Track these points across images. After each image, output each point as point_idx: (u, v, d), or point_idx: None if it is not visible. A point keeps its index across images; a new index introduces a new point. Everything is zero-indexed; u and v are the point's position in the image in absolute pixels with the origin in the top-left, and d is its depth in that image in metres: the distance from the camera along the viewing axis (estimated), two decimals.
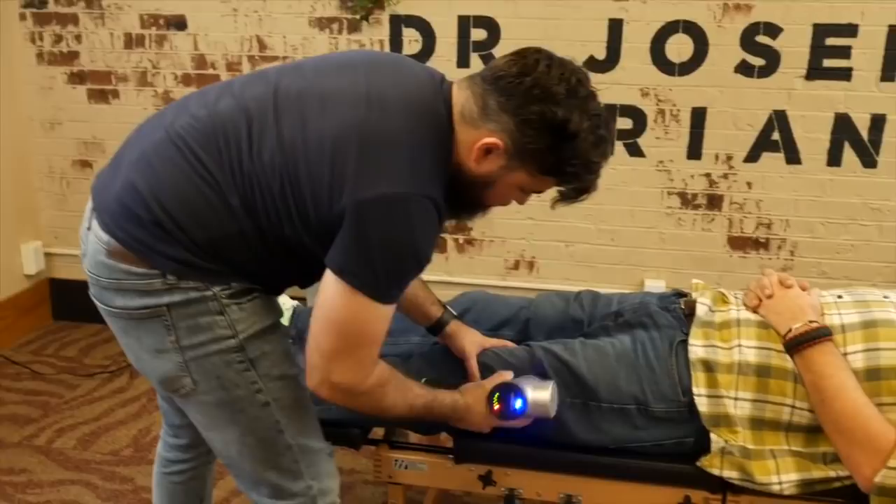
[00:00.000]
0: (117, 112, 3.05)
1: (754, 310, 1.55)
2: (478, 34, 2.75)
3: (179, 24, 2.91)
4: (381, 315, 1.24)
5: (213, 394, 1.30)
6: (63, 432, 2.49)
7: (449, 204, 1.26)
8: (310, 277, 1.39)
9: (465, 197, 1.30)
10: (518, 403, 1.43)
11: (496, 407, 1.43)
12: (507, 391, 1.43)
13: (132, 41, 2.96)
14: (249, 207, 1.22)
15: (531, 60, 1.22)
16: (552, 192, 1.32)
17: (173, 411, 1.57)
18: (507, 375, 1.49)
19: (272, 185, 1.21)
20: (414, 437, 1.76)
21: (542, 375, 1.52)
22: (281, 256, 1.28)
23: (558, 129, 1.19)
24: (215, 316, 1.26)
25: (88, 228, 1.31)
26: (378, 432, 1.70)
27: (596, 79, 1.28)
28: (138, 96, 3.02)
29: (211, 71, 2.94)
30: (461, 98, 1.26)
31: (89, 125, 3.10)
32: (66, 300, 3.23)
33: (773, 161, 2.70)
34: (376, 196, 1.16)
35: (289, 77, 1.29)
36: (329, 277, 1.22)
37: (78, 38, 3.01)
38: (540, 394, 1.45)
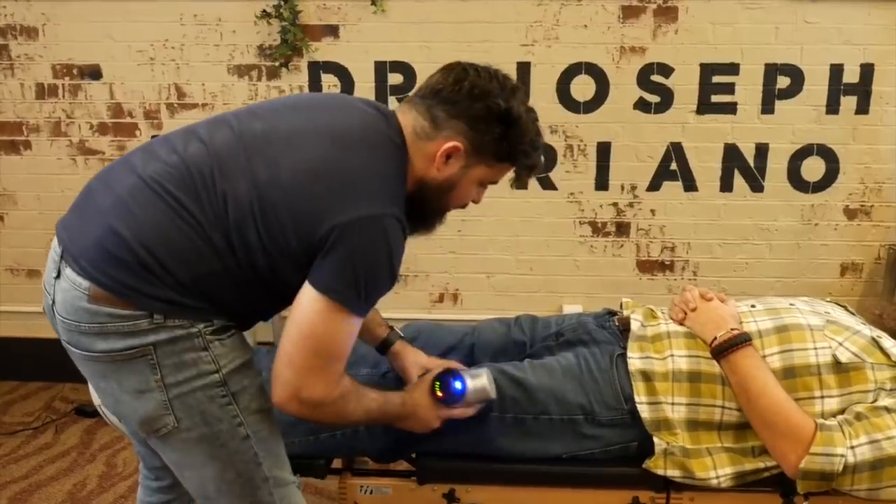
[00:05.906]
0: (29, 163, 3.00)
1: (681, 322, 1.70)
2: (394, 78, 2.87)
3: (94, 73, 2.90)
4: (353, 329, 1.33)
5: (195, 430, 1.33)
6: None
7: (411, 219, 1.39)
8: (274, 309, 1.48)
9: (430, 206, 1.44)
10: (458, 385, 1.55)
11: (439, 394, 1.55)
12: (446, 376, 1.56)
13: (44, 91, 2.93)
14: (230, 243, 1.29)
15: (459, 70, 1.40)
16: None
17: (152, 454, 1.58)
18: (446, 364, 1.62)
19: (248, 221, 1.28)
20: (372, 466, 1.82)
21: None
22: (257, 290, 1.34)
23: (504, 117, 1.37)
24: (200, 352, 1.30)
25: (56, 277, 1.32)
26: (339, 462, 1.75)
27: None
28: (51, 146, 2.98)
29: (128, 119, 2.94)
30: (409, 120, 1.40)
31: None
32: None
33: (672, 189, 2.94)
34: (354, 219, 1.27)
35: (249, 121, 1.38)
36: (308, 298, 1.29)
37: None
38: (477, 378, 1.57)
